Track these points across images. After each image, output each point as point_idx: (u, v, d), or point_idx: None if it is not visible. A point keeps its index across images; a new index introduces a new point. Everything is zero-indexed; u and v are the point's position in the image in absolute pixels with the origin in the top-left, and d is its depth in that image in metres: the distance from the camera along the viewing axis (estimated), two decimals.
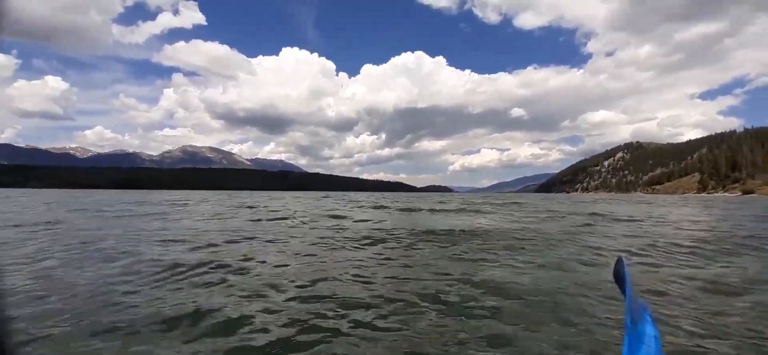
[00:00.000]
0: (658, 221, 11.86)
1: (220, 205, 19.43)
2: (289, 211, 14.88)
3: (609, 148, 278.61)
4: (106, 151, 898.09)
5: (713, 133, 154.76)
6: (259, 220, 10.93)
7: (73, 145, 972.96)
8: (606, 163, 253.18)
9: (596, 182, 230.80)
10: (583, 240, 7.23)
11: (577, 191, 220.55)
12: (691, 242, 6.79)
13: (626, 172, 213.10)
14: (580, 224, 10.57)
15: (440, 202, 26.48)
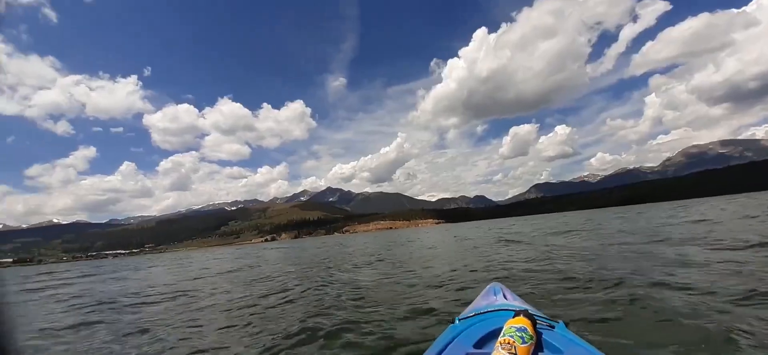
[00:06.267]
0: None
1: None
2: None
3: None
4: (609, 173, 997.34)
5: None
6: None
7: (584, 174, 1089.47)
8: None
9: None
10: None
11: None
12: None
13: None
14: None
15: None
